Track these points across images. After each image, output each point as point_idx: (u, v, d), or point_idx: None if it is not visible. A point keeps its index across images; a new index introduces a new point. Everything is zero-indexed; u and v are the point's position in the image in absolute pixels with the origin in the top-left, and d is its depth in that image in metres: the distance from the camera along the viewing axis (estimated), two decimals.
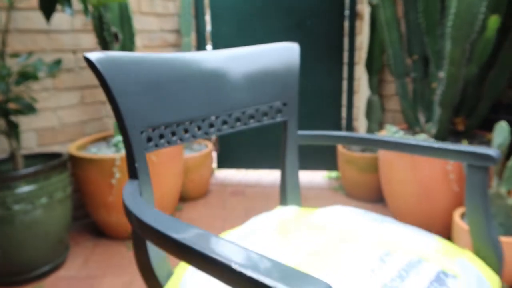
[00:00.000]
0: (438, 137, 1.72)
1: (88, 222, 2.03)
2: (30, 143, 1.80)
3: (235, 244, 0.40)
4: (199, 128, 0.80)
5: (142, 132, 0.66)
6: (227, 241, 0.41)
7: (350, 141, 0.93)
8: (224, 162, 2.77)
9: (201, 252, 0.39)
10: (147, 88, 0.68)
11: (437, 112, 1.66)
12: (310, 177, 2.69)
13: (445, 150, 0.77)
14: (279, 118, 0.92)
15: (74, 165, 1.73)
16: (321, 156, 2.65)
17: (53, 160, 1.58)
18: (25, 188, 1.43)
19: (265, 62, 0.89)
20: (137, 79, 0.67)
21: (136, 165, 0.64)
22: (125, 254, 1.75)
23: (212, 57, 0.82)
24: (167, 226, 0.46)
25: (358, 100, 2.55)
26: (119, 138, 1.79)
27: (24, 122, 1.75)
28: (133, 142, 0.64)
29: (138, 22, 2.13)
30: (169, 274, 0.71)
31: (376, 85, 2.24)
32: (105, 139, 1.99)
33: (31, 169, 1.44)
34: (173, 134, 0.74)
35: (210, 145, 2.44)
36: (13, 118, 1.44)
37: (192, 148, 2.41)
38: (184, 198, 2.30)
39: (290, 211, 0.89)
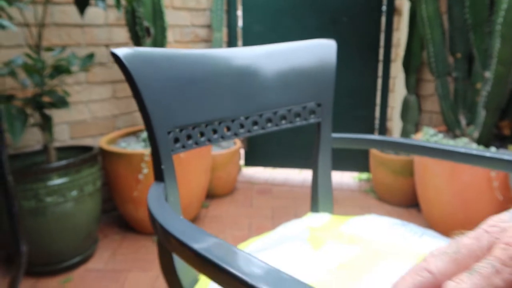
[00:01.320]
0: (481, 141, 1.62)
1: (117, 215, 2.05)
2: (63, 135, 1.83)
3: (258, 260, 0.36)
4: (228, 128, 0.76)
5: (169, 133, 0.63)
6: (251, 255, 0.37)
7: (388, 146, 0.87)
8: (252, 159, 2.74)
9: (222, 268, 0.36)
10: (175, 86, 0.65)
11: (481, 114, 1.56)
12: (339, 178, 2.62)
13: (487, 158, 0.70)
14: (312, 120, 0.87)
15: (104, 158, 1.75)
16: (351, 157, 2.57)
17: (84, 153, 1.59)
18: (57, 181, 1.45)
19: (299, 60, 0.84)
20: (165, 76, 0.64)
21: (163, 167, 0.61)
22: (152, 248, 1.75)
23: (244, 54, 0.78)
24: (190, 237, 0.42)
25: (393, 100, 2.45)
26: None
27: (57, 115, 1.77)
28: (160, 143, 0.61)
29: (170, 17, 2.12)
30: (194, 281, 0.69)
31: (413, 84, 2.14)
32: (135, 133, 1.99)
33: (63, 162, 1.45)
34: (202, 134, 0.71)
35: (238, 143, 2.42)
36: (47, 111, 1.46)
37: (220, 145, 2.40)
38: (210, 195, 2.29)
39: (321, 219, 0.85)
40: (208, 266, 0.38)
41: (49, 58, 1.53)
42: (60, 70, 1.37)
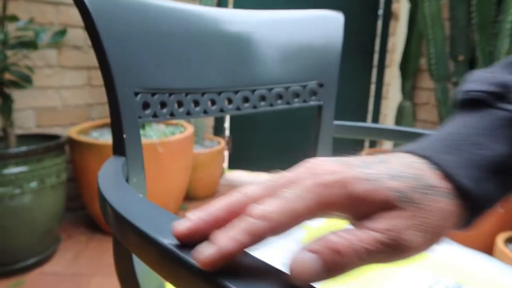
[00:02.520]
0: None
1: (84, 214, 1.86)
2: (27, 122, 1.65)
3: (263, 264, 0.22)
4: (213, 102, 0.62)
5: (136, 94, 0.49)
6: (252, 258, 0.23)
7: (399, 137, 0.75)
8: (236, 162, 2.59)
9: (203, 275, 0.22)
10: (150, 41, 0.51)
11: None
12: None
13: None
14: (312, 102, 0.74)
15: (73, 150, 1.57)
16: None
17: (49, 141, 1.42)
18: (13, 169, 1.27)
19: (301, 31, 0.71)
20: (139, 27, 0.50)
21: (124, 136, 0.47)
22: None
23: (238, 17, 0.64)
24: (158, 228, 0.28)
25: (386, 107, 2.36)
26: None
27: (22, 99, 1.60)
28: (122, 104, 0.46)
29: None
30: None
31: (409, 90, 2.05)
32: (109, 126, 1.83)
33: (22, 149, 1.28)
34: (180, 105, 0.57)
35: (222, 143, 2.27)
36: (7, 90, 1.29)
37: (203, 144, 2.25)
38: (190, 196, 2.13)
39: (320, 219, 0.71)
40: (183, 272, 0.24)
41: (13, 31, 1.36)
42: (25, 43, 1.20)
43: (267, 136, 2.47)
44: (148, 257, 0.26)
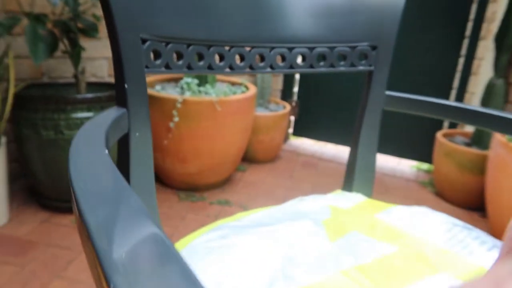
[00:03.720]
0: None
1: None
2: (101, 71, 1.74)
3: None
4: (242, 58, 0.56)
5: (144, 41, 0.45)
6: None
7: (464, 117, 0.63)
8: (302, 129, 2.52)
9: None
10: None
11: None
12: (394, 164, 2.33)
13: None
14: (362, 67, 0.64)
15: None
16: (412, 142, 2.26)
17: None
18: (79, 114, 1.35)
19: None
20: None
21: (126, 86, 0.43)
22: (174, 204, 1.63)
23: None
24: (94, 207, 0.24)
25: (474, 84, 2.08)
26: (188, 79, 1.63)
27: (97, 48, 1.67)
28: (125, 51, 0.43)
29: None
30: None
31: (504, 66, 1.77)
32: (176, 81, 1.86)
33: (88, 95, 1.34)
34: (200, 58, 0.52)
35: (288, 107, 2.20)
36: (75, 38, 1.34)
37: (267, 106, 2.20)
38: (249, 159, 2.13)
39: (351, 199, 0.63)
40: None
41: None
42: None
43: (337, 106, 2.35)
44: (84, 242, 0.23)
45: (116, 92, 0.44)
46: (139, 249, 0.20)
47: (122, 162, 0.48)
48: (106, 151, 0.30)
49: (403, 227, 0.55)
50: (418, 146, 2.24)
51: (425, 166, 2.28)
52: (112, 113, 0.41)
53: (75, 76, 1.42)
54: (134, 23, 0.43)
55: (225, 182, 1.85)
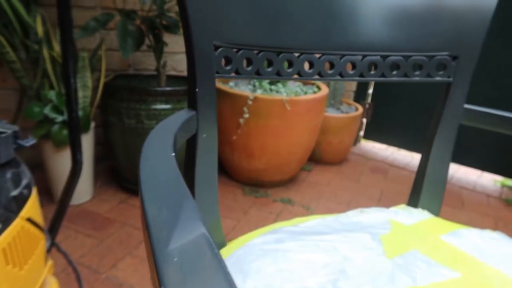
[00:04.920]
0: None
1: None
2: (181, 65, 1.83)
3: None
4: (311, 64, 0.56)
5: (217, 48, 0.47)
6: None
7: None
8: (374, 133, 2.43)
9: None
10: None
11: None
12: (475, 177, 2.16)
13: None
14: (439, 78, 0.61)
15: None
16: (497, 153, 2.07)
17: None
18: (158, 106, 1.44)
19: None
20: None
21: (197, 90, 0.46)
22: (239, 197, 1.68)
23: None
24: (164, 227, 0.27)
25: None
26: None
27: (178, 43, 1.76)
28: (198, 57, 0.45)
29: None
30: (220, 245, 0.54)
31: None
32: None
33: (166, 89, 1.43)
34: (270, 64, 0.53)
35: (360, 109, 2.14)
36: (159, 34, 1.43)
37: (339, 108, 2.16)
38: (316, 159, 2.11)
39: (416, 216, 0.61)
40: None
41: None
42: None
43: (414, 111, 2.23)
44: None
45: (188, 96, 0.47)
46: (188, 248, 0.21)
47: (189, 160, 0.51)
48: (173, 154, 0.33)
49: (470, 252, 0.51)
50: (505, 159, 2.05)
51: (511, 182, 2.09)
52: (183, 115, 0.44)
53: (157, 69, 1.52)
54: (208, 31, 0.45)
55: (289, 181, 1.86)
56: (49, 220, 0.99)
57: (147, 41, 1.43)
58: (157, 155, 0.32)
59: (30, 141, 0.71)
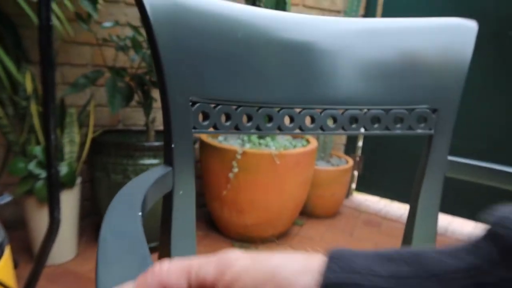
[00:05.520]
0: None
1: (205, 212, 1.99)
2: None
3: None
4: (292, 119, 0.56)
5: (194, 104, 0.47)
6: None
7: None
8: (366, 185, 2.42)
9: None
10: (219, 48, 0.49)
11: None
12: (469, 228, 2.12)
13: None
14: (420, 130, 0.61)
15: (201, 150, 1.69)
16: (490, 203, 2.04)
17: None
18: (146, 161, 1.43)
19: (412, 43, 0.60)
20: (207, 32, 0.48)
21: (173, 146, 0.45)
22: None
23: (331, 26, 0.57)
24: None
25: None
26: None
27: None
28: (174, 112, 0.45)
29: None
30: None
31: None
32: None
33: (154, 143, 1.43)
34: (249, 119, 0.53)
35: (350, 162, 2.15)
36: (148, 90, 1.45)
37: (329, 160, 2.16)
38: (307, 213, 2.07)
39: None
40: None
41: None
42: None
43: (405, 162, 2.23)
44: None
45: (164, 151, 0.46)
46: None
47: (166, 216, 0.48)
48: (139, 213, 0.31)
49: None
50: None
51: None
52: (158, 171, 0.43)
53: (146, 125, 1.53)
54: (184, 87, 0.45)
55: (281, 236, 1.81)
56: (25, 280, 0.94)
57: (136, 97, 1.45)
58: (122, 214, 0.31)
59: (5, 198, 0.68)
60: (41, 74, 0.76)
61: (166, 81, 0.43)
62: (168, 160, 0.46)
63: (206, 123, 0.48)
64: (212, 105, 0.48)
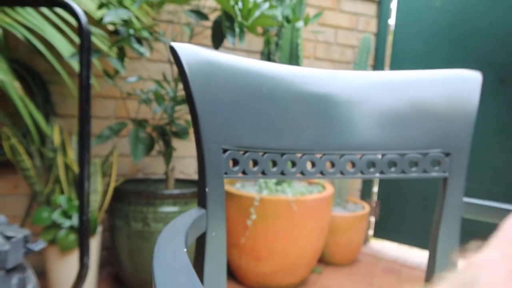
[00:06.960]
0: None
1: None
2: (189, 169, 1.90)
3: None
4: (313, 164, 0.60)
5: (225, 151, 0.51)
6: None
7: None
8: (383, 231, 2.39)
9: None
10: (247, 102, 0.54)
11: None
12: None
13: None
14: (435, 173, 0.64)
15: None
16: None
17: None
18: (166, 209, 1.46)
19: (422, 93, 0.64)
20: (237, 89, 0.53)
21: (207, 189, 0.49)
22: None
23: (347, 80, 0.63)
24: None
25: None
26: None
27: (186, 148, 1.85)
28: (208, 159, 0.49)
29: (311, 67, 2.09)
30: None
31: None
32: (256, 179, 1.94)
33: (173, 191, 1.47)
34: (274, 164, 0.57)
35: (367, 207, 2.14)
36: (173, 141, 1.52)
37: (345, 206, 2.16)
38: (325, 261, 2.04)
39: None
40: None
41: (181, 89, 1.61)
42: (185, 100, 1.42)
43: (422, 206, 2.22)
44: None
45: (198, 195, 0.50)
46: None
47: (199, 258, 0.51)
48: (185, 250, 0.34)
49: None
50: None
51: None
52: (194, 213, 0.46)
53: (166, 173, 1.58)
54: (217, 136, 0.50)
55: (299, 285, 1.78)
56: None
57: (157, 147, 1.51)
58: (170, 251, 0.34)
59: (39, 245, 0.72)
60: (79, 128, 0.83)
61: (201, 132, 0.48)
62: (202, 203, 0.49)
63: (236, 168, 0.52)
64: (241, 152, 0.53)
